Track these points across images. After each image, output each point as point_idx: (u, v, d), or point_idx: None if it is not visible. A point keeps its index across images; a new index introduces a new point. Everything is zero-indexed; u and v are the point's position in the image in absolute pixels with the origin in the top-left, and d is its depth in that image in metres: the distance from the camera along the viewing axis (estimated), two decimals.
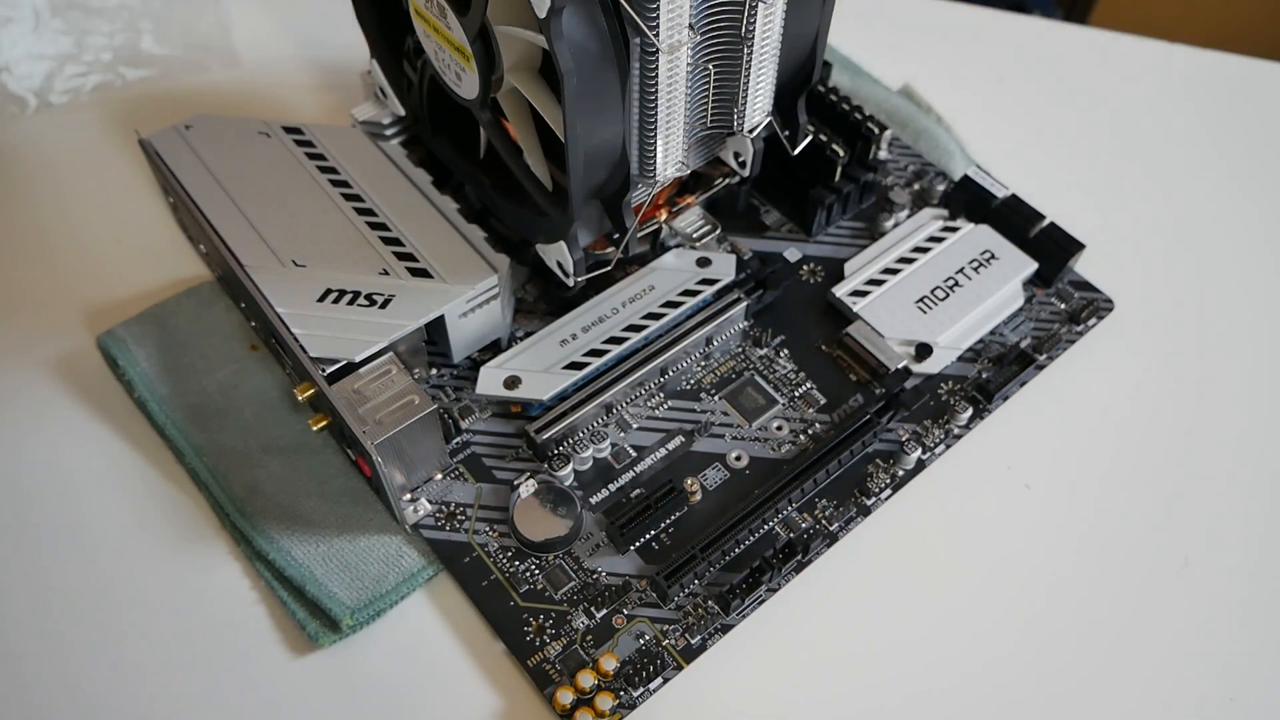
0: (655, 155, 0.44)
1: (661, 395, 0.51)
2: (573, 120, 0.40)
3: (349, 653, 0.44)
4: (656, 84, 0.41)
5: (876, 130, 0.56)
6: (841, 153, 0.54)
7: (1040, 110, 0.61)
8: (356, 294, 0.46)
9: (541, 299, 0.53)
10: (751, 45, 0.43)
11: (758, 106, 0.46)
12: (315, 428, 0.46)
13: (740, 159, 0.49)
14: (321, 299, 0.46)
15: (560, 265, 0.48)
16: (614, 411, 0.50)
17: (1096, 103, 0.63)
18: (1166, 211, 0.59)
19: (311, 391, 0.45)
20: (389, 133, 0.54)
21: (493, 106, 0.46)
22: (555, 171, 0.47)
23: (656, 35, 0.39)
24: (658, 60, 0.40)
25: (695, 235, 0.54)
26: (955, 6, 0.68)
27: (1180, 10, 1.09)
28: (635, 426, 0.50)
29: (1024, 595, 0.46)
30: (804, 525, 0.47)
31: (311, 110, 0.61)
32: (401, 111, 0.53)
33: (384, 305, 0.46)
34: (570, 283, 0.48)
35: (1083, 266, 0.56)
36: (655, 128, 0.43)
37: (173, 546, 0.46)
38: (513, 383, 0.48)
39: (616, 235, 0.47)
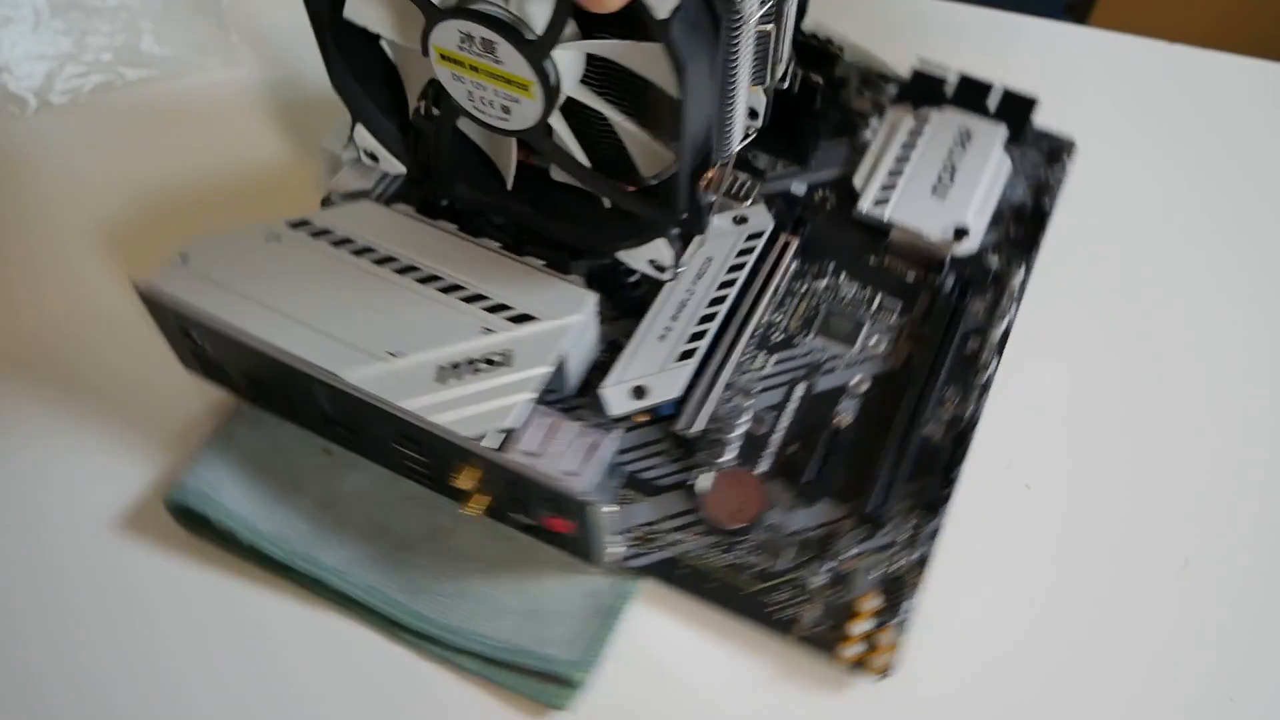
0: (732, 127, 0.43)
1: (765, 354, 0.52)
2: (689, 111, 0.39)
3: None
4: (738, 55, 0.40)
5: (836, 48, 0.57)
6: (819, 79, 0.55)
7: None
8: (472, 362, 0.44)
9: (607, 306, 0.49)
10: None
11: (785, 55, 0.46)
12: (476, 513, 0.43)
13: (754, 112, 0.47)
14: (440, 379, 0.44)
15: (654, 262, 0.47)
16: (732, 385, 0.51)
17: (1096, 103, 0.63)
18: (1166, 211, 0.59)
19: (477, 477, 0.42)
20: (374, 196, 0.51)
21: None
22: (646, 165, 0.45)
23: (743, 3, 0.38)
24: (742, 31, 0.39)
25: (740, 194, 0.55)
26: (955, 6, 0.68)
27: (1180, 10, 1.08)
28: (757, 390, 0.50)
29: (1022, 595, 0.46)
30: (947, 416, 0.50)
31: (314, 109, 0.59)
32: (400, 170, 0.50)
33: (506, 362, 0.44)
34: (669, 275, 0.47)
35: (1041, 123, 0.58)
36: (734, 99, 0.42)
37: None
38: (640, 392, 0.47)
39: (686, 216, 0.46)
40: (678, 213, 0.45)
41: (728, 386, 0.50)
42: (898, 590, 0.45)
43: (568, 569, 0.45)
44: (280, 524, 0.46)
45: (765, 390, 0.51)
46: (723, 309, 0.51)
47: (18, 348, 0.51)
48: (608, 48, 0.40)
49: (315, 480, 0.47)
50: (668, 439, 0.49)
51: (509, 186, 0.49)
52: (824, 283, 0.56)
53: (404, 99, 0.48)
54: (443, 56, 0.42)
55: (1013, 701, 0.43)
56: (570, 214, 0.48)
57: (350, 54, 0.46)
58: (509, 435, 0.44)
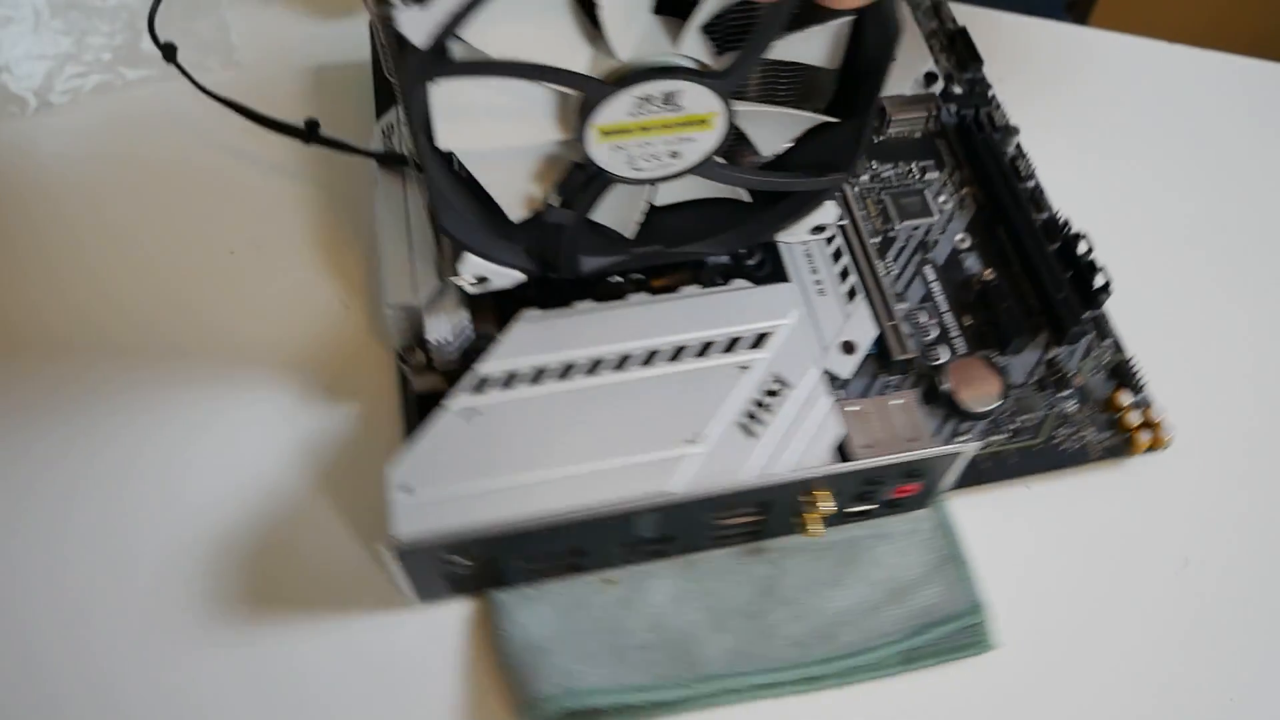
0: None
1: (883, 261, 0.53)
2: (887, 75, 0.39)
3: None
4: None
5: None
6: None
7: (1039, 111, 0.59)
8: (759, 403, 0.43)
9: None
10: None
11: None
12: (819, 531, 0.42)
13: None
14: (747, 434, 0.42)
15: (818, 227, 0.46)
16: (887, 300, 0.50)
17: (1096, 103, 0.62)
18: (1164, 211, 0.59)
19: (828, 496, 0.42)
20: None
21: None
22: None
23: None
24: None
25: None
26: (955, 6, 0.66)
27: (1180, 10, 1.07)
28: (903, 291, 0.52)
29: (1023, 591, 0.46)
30: (1043, 219, 0.52)
31: (314, 111, 0.58)
32: (516, 279, 0.45)
33: (784, 383, 0.43)
34: (831, 231, 0.48)
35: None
36: None
37: None
38: (849, 347, 0.47)
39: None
40: (855, 171, 0.44)
41: (889, 304, 0.51)
42: (1126, 375, 0.50)
43: (880, 536, 0.46)
44: (642, 666, 0.42)
45: (908, 287, 0.53)
46: (839, 240, 0.51)
47: (18, 349, 0.51)
48: (797, 46, 0.39)
49: (622, 613, 0.44)
50: (891, 370, 0.49)
51: (632, 235, 0.46)
52: (866, 177, 0.57)
53: (493, 207, 0.43)
54: (606, 133, 0.39)
55: (1011, 699, 0.43)
56: (705, 228, 0.46)
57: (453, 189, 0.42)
58: (844, 448, 0.44)
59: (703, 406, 0.42)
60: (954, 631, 0.44)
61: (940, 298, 0.53)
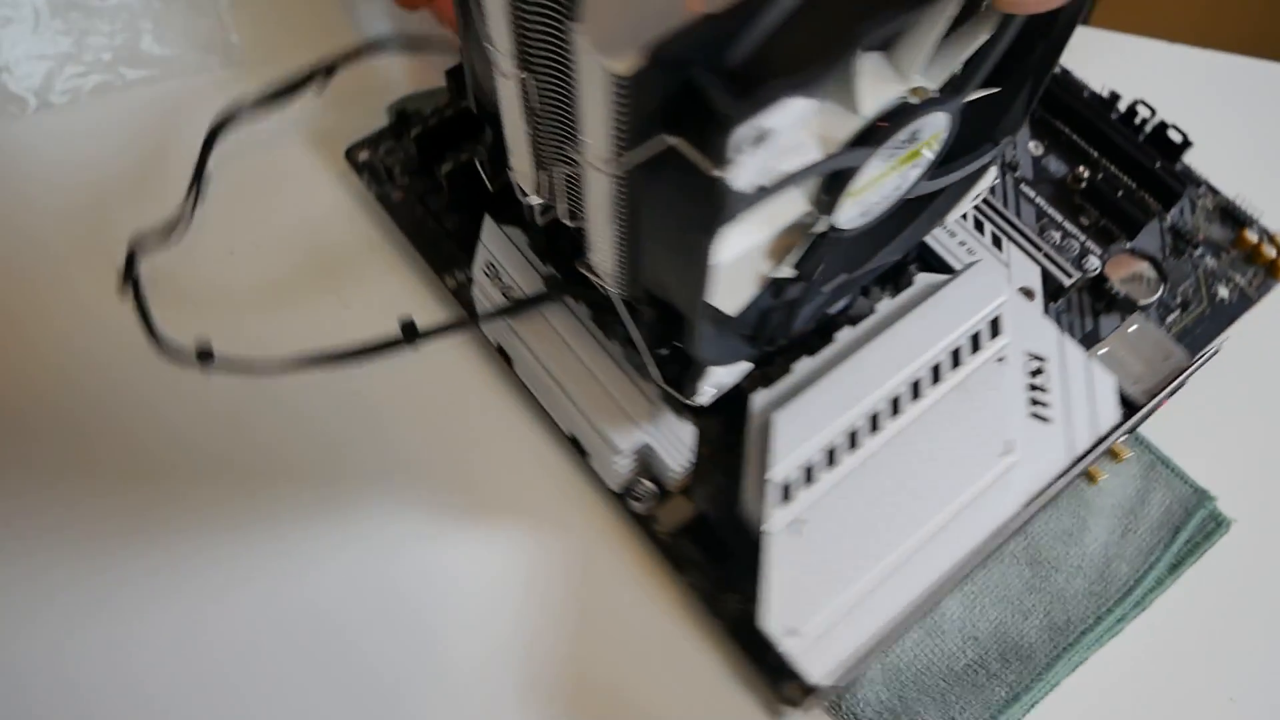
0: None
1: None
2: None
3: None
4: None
5: None
6: None
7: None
8: (1033, 388, 0.43)
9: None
10: (581, 180, 0.34)
11: (596, 256, 0.37)
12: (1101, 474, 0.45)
13: None
14: (1041, 419, 0.42)
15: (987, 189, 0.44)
16: (1027, 233, 0.50)
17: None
18: None
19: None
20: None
21: None
22: None
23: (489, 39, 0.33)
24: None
25: None
26: None
27: (1180, 10, 1.03)
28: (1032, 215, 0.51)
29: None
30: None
31: (316, 113, 0.58)
32: (747, 370, 0.41)
33: (1042, 358, 0.43)
34: (996, 177, 0.48)
35: None
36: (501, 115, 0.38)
37: None
38: (1029, 294, 0.47)
39: None
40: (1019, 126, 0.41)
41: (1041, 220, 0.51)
42: (1237, 213, 0.52)
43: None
44: (988, 677, 0.42)
45: (1020, 213, 0.51)
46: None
47: (17, 349, 0.50)
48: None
49: (936, 643, 0.43)
50: (1057, 298, 0.49)
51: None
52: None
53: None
54: (854, 193, 0.35)
55: None
56: (880, 239, 0.42)
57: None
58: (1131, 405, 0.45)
59: (992, 413, 0.42)
60: (1199, 524, 0.45)
61: (1052, 211, 0.51)
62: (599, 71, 0.26)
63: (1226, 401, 0.49)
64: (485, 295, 0.44)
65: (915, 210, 0.41)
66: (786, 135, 0.27)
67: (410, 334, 0.42)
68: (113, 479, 0.47)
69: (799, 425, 0.40)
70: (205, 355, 0.43)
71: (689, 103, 0.26)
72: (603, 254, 0.35)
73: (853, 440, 0.41)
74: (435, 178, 0.50)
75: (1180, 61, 0.65)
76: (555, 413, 0.44)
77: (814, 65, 0.26)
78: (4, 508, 0.46)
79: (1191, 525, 0.45)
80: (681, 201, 0.29)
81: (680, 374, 0.40)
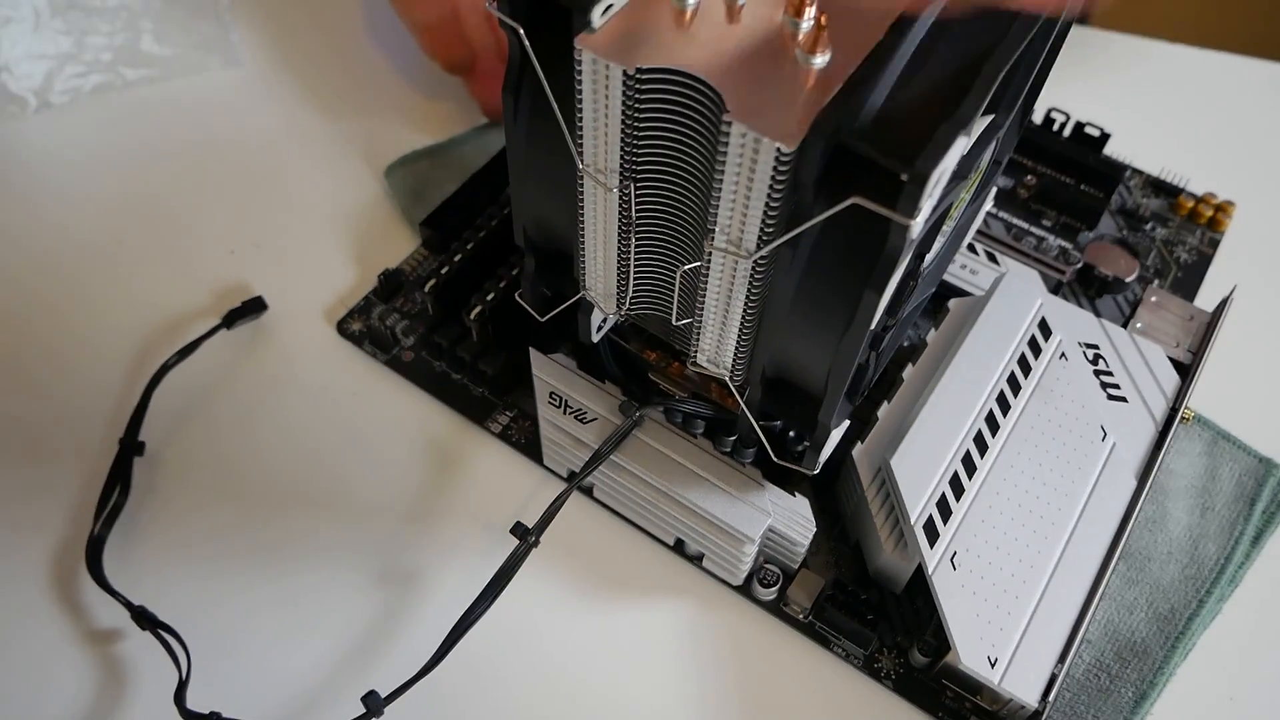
0: (584, 270, 0.36)
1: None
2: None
3: None
4: (583, 201, 0.33)
5: None
6: None
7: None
8: (1101, 379, 0.44)
9: None
10: (706, 276, 0.32)
11: (712, 353, 0.35)
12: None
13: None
14: (1117, 404, 0.43)
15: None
16: (1014, 242, 0.52)
17: (1096, 103, 0.60)
18: None
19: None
20: None
21: None
22: None
23: (580, 154, 0.31)
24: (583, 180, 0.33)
25: None
26: None
27: (1180, 10, 1.03)
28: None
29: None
30: None
31: (315, 110, 0.59)
32: (831, 449, 0.39)
33: (1096, 352, 0.44)
34: None
35: None
36: (582, 243, 0.35)
37: None
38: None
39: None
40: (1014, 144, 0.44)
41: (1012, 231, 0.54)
42: (1165, 185, 0.57)
43: None
44: (1113, 680, 0.42)
45: (989, 224, 0.54)
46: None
47: (18, 350, 0.49)
48: None
49: None
50: (1058, 291, 0.52)
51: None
52: None
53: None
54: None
55: None
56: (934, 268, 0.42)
57: None
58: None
59: (1076, 405, 0.43)
60: (1271, 492, 0.46)
61: (1018, 221, 0.54)
62: (765, 152, 0.27)
63: (1257, 365, 0.51)
64: (556, 427, 0.42)
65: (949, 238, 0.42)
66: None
67: (524, 532, 0.38)
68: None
69: (917, 465, 0.40)
70: None
71: (848, 166, 0.27)
72: (719, 344, 0.35)
73: (969, 465, 0.41)
74: (451, 326, 0.47)
75: (1180, 61, 0.66)
76: (656, 524, 0.42)
77: (971, 103, 0.28)
78: None
79: (1265, 495, 0.46)
80: (845, 264, 0.30)
81: (782, 449, 0.38)
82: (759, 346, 0.34)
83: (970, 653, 0.37)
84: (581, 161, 0.31)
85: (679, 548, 0.43)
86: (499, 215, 0.50)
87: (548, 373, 0.41)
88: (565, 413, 0.41)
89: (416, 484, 0.45)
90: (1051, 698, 0.37)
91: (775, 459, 0.38)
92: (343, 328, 0.49)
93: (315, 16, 0.63)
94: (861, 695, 0.41)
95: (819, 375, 0.34)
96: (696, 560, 0.42)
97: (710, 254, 0.31)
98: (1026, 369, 0.43)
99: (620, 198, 0.32)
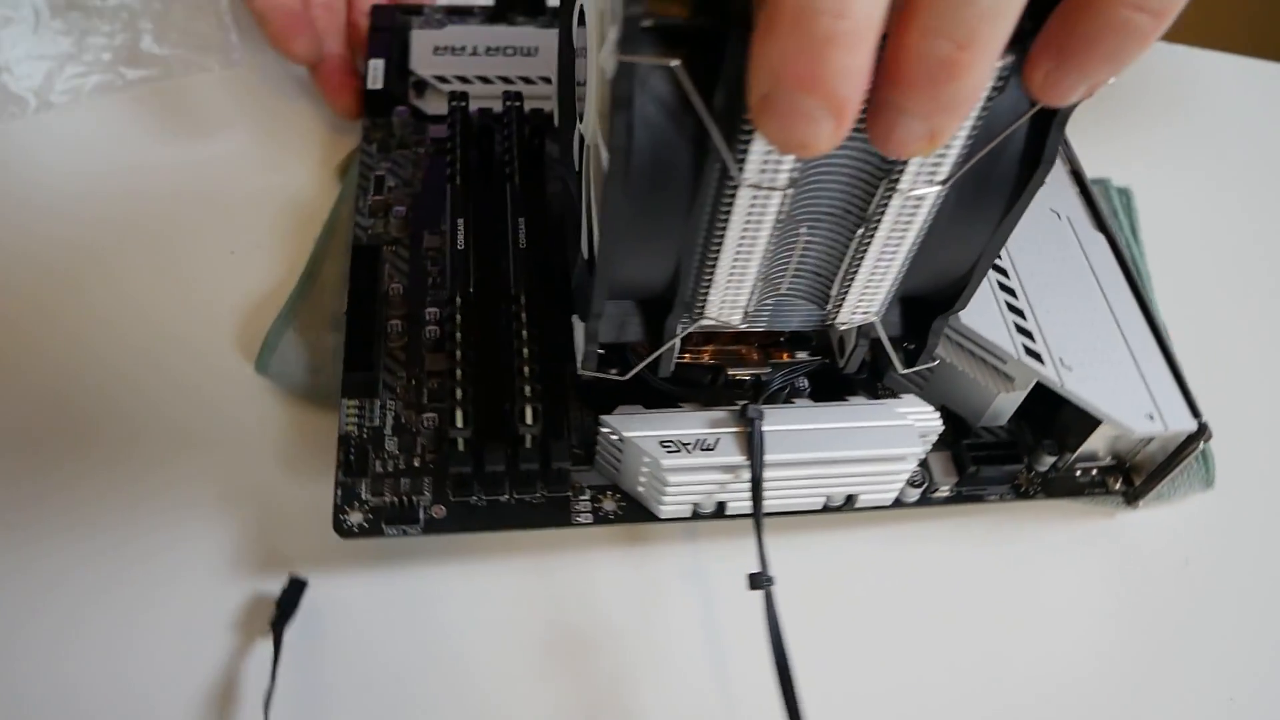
0: (709, 293, 0.33)
1: None
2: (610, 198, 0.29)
3: None
4: (728, 222, 0.30)
5: None
6: None
7: None
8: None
9: None
10: (874, 232, 0.31)
11: (860, 304, 0.35)
12: None
13: (842, 350, 0.39)
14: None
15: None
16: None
17: (1095, 102, 0.58)
18: (1165, 207, 0.57)
19: None
20: None
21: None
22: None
23: (742, 167, 0.28)
24: (734, 195, 0.29)
25: None
26: None
27: (1180, 10, 0.97)
28: None
29: (1022, 591, 0.43)
30: None
31: (315, 109, 0.58)
32: None
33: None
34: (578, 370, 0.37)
35: None
36: (715, 265, 0.32)
37: None
38: None
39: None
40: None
41: None
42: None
43: None
44: None
45: None
46: None
47: (19, 353, 0.47)
48: None
49: None
50: None
51: None
52: None
53: None
54: None
55: (1009, 699, 0.41)
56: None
57: None
58: None
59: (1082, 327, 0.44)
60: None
61: None
62: None
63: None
64: (685, 470, 0.38)
65: None
66: None
67: (759, 578, 0.36)
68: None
69: (978, 314, 0.41)
70: None
71: None
72: (873, 291, 0.34)
73: (1007, 289, 0.43)
74: (496, 448, 0.38)
75: (1180, 61, 0.65)
76: (801, 497, 0.40)
77: None
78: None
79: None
80: (1014, 161, 0.30)
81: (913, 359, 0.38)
82: (909, 274, 0.34)
83: (1134, 420, 0.40)
84: (741, 175, 0.28)
85: (824, 508, 0.41)
86: (444, 307, 0.43)
87: (640, 427, 0.38)
88: (689, 452, 0.37)
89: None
90: (1203, 415, 0.40)
91: (902, 370, 0.38)
92: (342, 526, 0.38)
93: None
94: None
95: (958, 274, 0.34)
96: (847, 506, 0.41)
97: (888, 202, 0.30)
98: None
99: (782, 196, 0.30)
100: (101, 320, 0.48)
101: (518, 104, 0.49)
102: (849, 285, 0.34)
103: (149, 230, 0.52)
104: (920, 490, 0.43)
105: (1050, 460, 0.43)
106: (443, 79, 0.53)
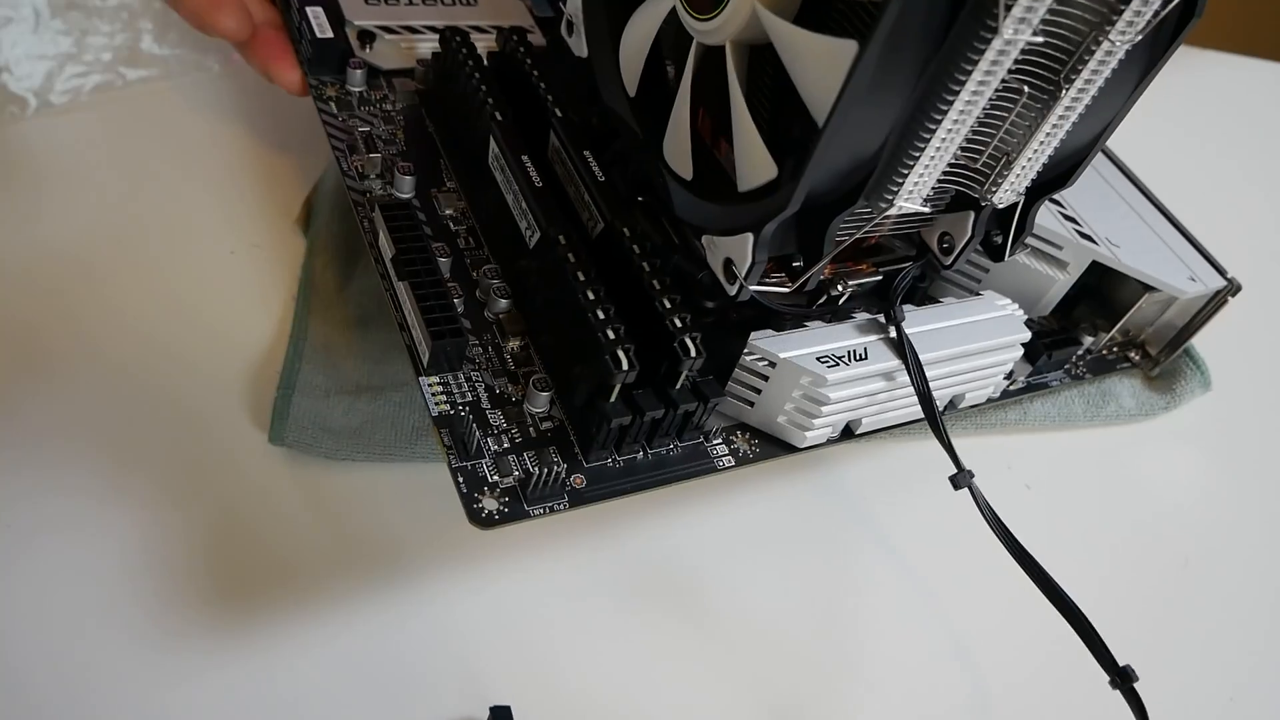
0: (908, 175, 0.30)
1: None
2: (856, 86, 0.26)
3: None
4: (966, 80, 0.27)
5: None
6: None
7: None
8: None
9: None
10: (1068, 90, 0.29)
11: (1018, 179, 0.32)
12: None
13: (946, 244, 0.36)
14: None
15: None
16: None
17: None
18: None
19: None
20: None
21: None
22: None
23: (1004, 15, 0.25)
24: (987, 47, 0.26)
25: None
26: None
27: None
28: None
29: (1020, 593, 0.41)
30: None
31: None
32: None
33: None
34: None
35: None
36: (930, 137, 0.29)
37: None
38: None
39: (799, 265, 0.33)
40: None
41: None
42: None
43: None
44: None
45: None
46: None
47: (17, 353, 0.44)
48: None
49: None
50: None
51: None
52: None
53: None
54: None
55: (1009, 700, 0.40)
56: None
57: None
58: None
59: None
60: None
61: None
62: None
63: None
64: (843, 384, 0.36)
65: None
66: None
67: (960, 475, 0.35)
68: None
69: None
70: None
71: None
72: (1035, 160, 0.33)
73: None
74: (657, 397, 0.34)
75: (1180, 61, 0.60)
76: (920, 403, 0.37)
77: None
78: None
79: None
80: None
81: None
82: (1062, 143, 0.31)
83: (1180, 283, 0.43)
84: (1002, 20, 0.26)
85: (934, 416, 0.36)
86: (560, 251, 0.35)
87: (795, 345, 0.35)
88: (845, 365, 0.35)
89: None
90: (1228, 273, 0.42)
91: (1007, 258, 0.36)
92: (479, 516, 0.32)
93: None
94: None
95: (1084, 144, 0.33)
96: (954, 408, 0.40)
97: (1089, 58, 0.28)
98: None
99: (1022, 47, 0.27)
100: (101, 318, 0.45)
101: (465, 44, 0.42)
102: (1013, 159, 0.31)
103: (148, 230, 0.49)
104: (1006, 382, 0.42)
105: (1089, 341, 0.45)
106: (388, 29, 0.46)
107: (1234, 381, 0.48)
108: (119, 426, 0.40)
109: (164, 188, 0.50)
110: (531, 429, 0.34)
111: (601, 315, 0.33)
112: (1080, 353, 0.45)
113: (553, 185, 0.37)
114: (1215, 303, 0.44)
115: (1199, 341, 0.46)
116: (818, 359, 0.34)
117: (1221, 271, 0.43)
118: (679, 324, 0.33)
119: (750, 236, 0.31)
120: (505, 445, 0.33)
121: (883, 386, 0.36)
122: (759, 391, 0.36)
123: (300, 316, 0.43)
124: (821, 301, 0.37)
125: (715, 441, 0.36)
